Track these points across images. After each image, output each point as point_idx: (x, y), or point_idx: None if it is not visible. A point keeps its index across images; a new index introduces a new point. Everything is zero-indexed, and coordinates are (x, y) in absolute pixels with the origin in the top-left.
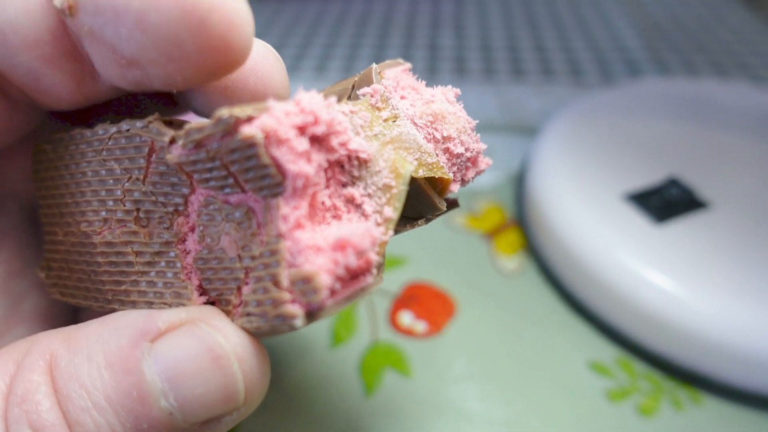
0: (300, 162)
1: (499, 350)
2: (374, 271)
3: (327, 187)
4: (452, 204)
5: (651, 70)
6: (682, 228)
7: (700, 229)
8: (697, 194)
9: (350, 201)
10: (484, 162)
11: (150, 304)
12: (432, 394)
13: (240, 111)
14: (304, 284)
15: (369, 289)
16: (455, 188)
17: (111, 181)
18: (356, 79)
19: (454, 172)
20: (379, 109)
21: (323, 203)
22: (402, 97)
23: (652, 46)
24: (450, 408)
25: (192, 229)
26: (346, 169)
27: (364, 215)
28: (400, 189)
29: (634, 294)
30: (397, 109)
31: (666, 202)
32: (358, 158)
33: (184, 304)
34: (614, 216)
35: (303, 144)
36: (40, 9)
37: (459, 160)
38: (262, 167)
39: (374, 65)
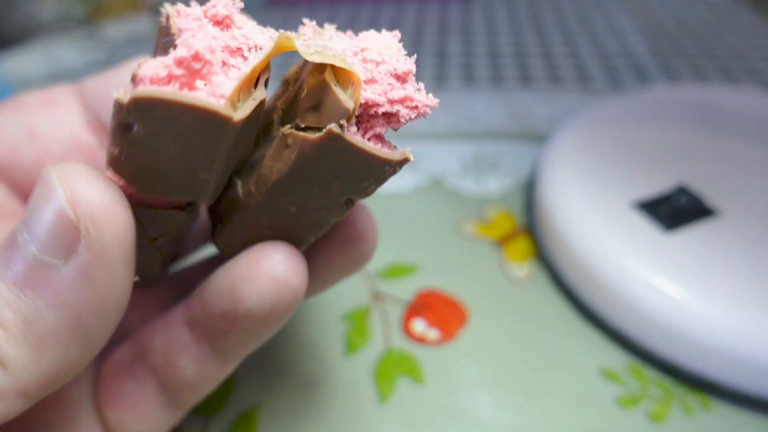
0: (193, 23)
1: (510, 357)
2: (222, 100)
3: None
4: (401, 161)
5: (659, 75)
6: (691, 236)
7: (710, 237)
8: (707, 202)
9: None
10: (423, 95)
11: None
12: (445, 401)
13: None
14: (137, 69)
15: (204, 105)
16: (371, 97)
17: None
18: None
19: (367, 80)
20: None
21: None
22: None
23: (659, 51)
24: (462, 415)
25: None
26: (246, 57)
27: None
28: (269, 45)
29: (644, 301)
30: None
31: (675, 210)
32: (255, 46)
33: None
34: (623, 224)
35: (199, 12)
36: None
37: (377, 70)
38: (171, 35)
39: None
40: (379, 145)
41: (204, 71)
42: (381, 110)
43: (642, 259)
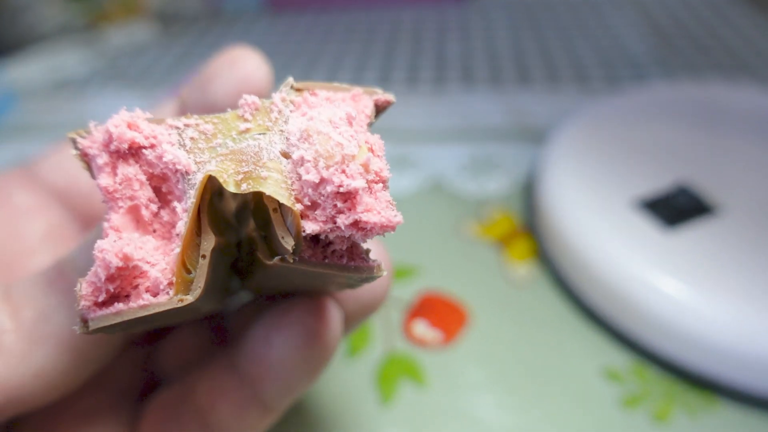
0: (102, 175)
1: (511, 358)
2: (168, 291)
3: (159, 200)
4: (367, 269)
5: (656, 73)
6: (691, 234)
7: (711, 235)
8: (706, 199)
9: (176, 214)
10: (382, 214)
11: None
12: (447, 403)
13: (72, 133)
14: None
15: (154, 307)
16: (315, 228)
17: None
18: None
19: (308, 206)
20: (246, 120)
21: (155, 214)
22: (303, 114)
23: (657, 49)
24: (464, 417)
25: None
26: (173, 182)
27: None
28: (192, 202)
29: (646, 300)
30: (273, 122)
31: (675, 208)
32: (178, 171)
33: None
34: (624, 223)
35: (103, 158)
36: None
37: (317, 193)
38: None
39: (290, 78)
40: (344, 259)
41: (135, 270)
42: (332, 235)
43: (643, 257)
